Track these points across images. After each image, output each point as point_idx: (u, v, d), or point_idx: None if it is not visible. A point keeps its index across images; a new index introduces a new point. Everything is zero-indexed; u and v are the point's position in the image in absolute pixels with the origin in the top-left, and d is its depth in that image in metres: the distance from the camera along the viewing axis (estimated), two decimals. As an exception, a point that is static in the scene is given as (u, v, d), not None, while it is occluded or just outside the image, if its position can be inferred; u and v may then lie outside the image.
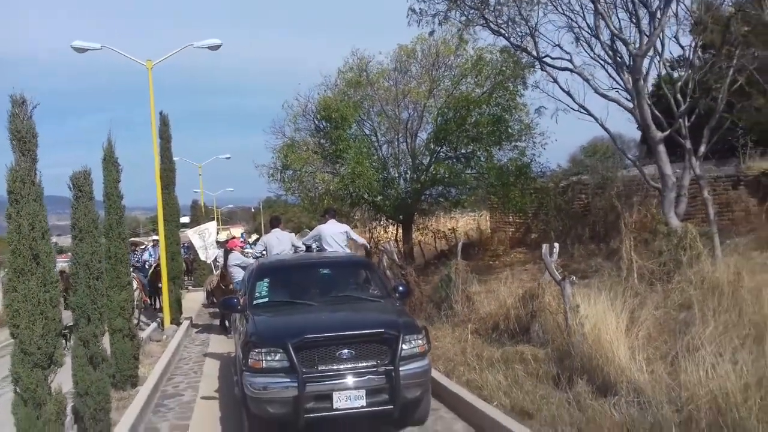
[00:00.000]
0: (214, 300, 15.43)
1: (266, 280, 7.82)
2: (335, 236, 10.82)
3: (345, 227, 11.50)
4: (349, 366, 6.20)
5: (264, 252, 11.15)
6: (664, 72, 12.46)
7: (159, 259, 17.45)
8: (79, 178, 6.89)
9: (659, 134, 10.84)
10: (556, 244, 9.05)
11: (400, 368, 6.18)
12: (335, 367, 6.18)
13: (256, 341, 6.39)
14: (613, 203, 14.14)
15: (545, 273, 8.80)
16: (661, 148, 10.87)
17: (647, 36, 10.72)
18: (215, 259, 17.38)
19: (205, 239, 17.63)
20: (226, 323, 13.37)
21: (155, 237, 19.20)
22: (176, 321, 14.53)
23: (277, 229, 11.52)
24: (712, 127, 11.54)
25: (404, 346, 6.29)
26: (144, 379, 8.96)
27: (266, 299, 7.53)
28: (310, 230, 15.26)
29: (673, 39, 11.97)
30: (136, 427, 7.02)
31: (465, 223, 26.57)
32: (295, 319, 6.97)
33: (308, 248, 11.19)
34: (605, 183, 17.50)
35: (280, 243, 11.07)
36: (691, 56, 11.89)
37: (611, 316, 6.93)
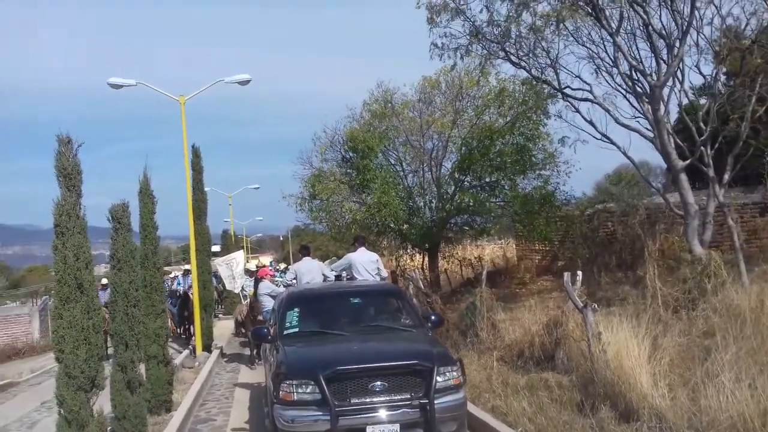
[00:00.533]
0: (243, 330, 15.33)
1: (296, 309, 7.70)
2: (365, 264, 10.64)
3: (375, 256, 11.32)
4: (383, 399, 6.06)
5: (294, 281, 10.98)
6: (686, 101, 12.57)
7: (188, 288, 17.82)
8: (117, 211, 7.26)
9: (680, 163, 10.95)
10: (579, 272, 9.19)
11: (435, 401, 6.04)
12: (368, 400, 6.05)
13: (286, 373, 6.27)
14: (645, 230, 14.18)
15: (569, 301, 8.92)
16: (683, 177, 10.96)
17: (667, 65, 10.89)
18: (242, 288, 17.30)
19: (232, 269, 17.70)
20: (255, 352, 13.35)
21: (186, 267, 19.52)
22: (208, 348, 14.82)
23: (307, 258, 11.44)
24: (735, 154, 11.61)
25: (439, 379, 6.15)
26: (178, 404, 9.22)
27: (296, 329, 7.42)
28: (339, 258, 15.41)
29: (695, 68, 12.16)
30: (170, 452, 7.26)
31: (492, 250, 26.69)
32: (326, 349, 6.85)
33: (338, 277, 11.09)
34: (630, 211, 17.55)
35: (310, 271, 10.95)
36: (712, 85, 12.03)
37: (633, 343, 7.02)
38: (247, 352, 14.75)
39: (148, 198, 9.07)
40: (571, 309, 8.93)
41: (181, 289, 18.16)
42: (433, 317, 7.93)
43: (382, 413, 6.01)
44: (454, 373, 6.40)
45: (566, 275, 8.22)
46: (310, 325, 7.53)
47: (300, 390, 6.06)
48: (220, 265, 17.98)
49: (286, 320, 7.52)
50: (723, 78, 13.24)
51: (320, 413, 5.94)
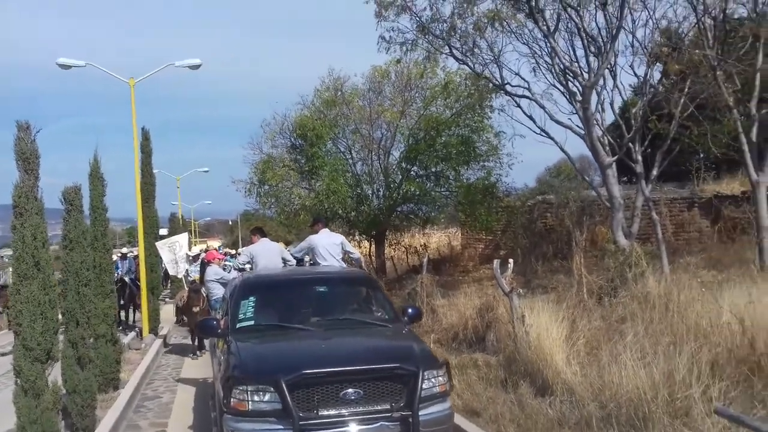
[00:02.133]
0: (184, 318, 14.21)
1: (252, 298, 6.61)
2: (329, 248, 9.48)
3: (340, 237, 10.16)
4: (357, 410, 5.15)
5: (248, 265, 9.78)
6: (620, 100, 13.36)
7: (126, 272, 17.02)
8: (70, 193, 7.54)
9: (608, 159, 11.72)
10: (510, 260, 9.89)
11: (420, 413, 5.18)
12: (339, 411, 5.12)
13: (240, 376, 5.26)
14: (575, 222, 15.01)
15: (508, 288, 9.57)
16: (610, 172, 11.73)
17: (597, 66, 11.60)
18: (186, 273, 15.98)
19: (175, 252, 16.71)
20: (196, 342, 12.87)
21: (123, 250, 18.99)
22: (154, 331, 15.03)
23: (264, 239, 10.12)
24: (663, 151, 12.46)
25: (424, 385, 5.26)
26: (125, 383, 9.52)
27: (252, 322, 6.37)
28: (291, 245, 15.29)
29: (628, 68, 12.96)
30: (119, 424, 7.61)
31: (438, 239, 27.45)
32: (288, 348, 5.90)
33: (299, 261, 10.09)
34: (567, 203, 18.47)
35: (268, 254, 9.66)
36: (643, 86, 12.85)
37: (553, 326, 7.69)
38: (186, 369, 12.45)
39: (98, 181, 9.29)
40: (502, 294, 9.60)
41: (119, 273, 16.54)
42: (410, 310, 6.86)
43: (355, 428, 5.09)
44: (440, 379, 5.47)
45: (495, 262, 8.87)
46: (268, 318, 6.54)
47: (256, 398, 5.10)
48: (161, 248, 16.99)
49: (239, 311, 6.46)
50: (659, 78, 14.08)
51: (281, 427, 5.03)
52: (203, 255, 15.22)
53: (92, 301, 7.74)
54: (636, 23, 12.30)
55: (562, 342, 7.44)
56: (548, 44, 11.55)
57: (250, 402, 5.09)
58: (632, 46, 12.73)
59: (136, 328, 15.88)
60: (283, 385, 4.99)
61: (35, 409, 5.32)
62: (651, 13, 12.18)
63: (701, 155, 18.47)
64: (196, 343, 12.97)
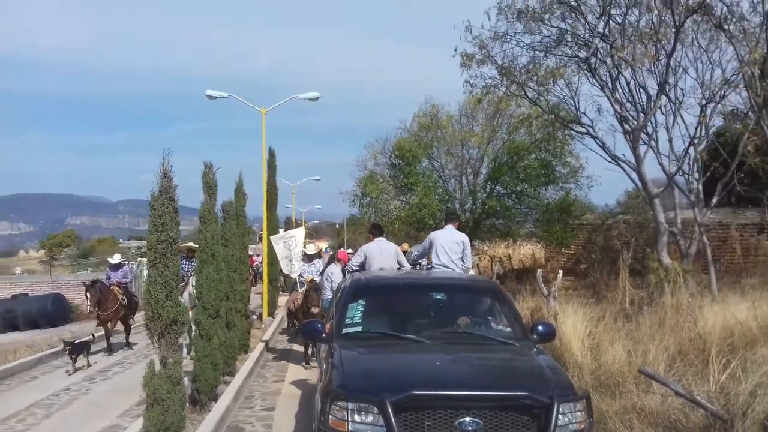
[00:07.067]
0: (295, 323, 13.40)
1: (361, 301, 6.10)
2: (448, 246, 8.63)
3: (463, 236, 9.13)
4: None
5: (356, 267, 9.06)
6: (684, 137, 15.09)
7: (116, 283, 14.00)
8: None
9: (655, 190, 13.63)
10: (560, 271, 12.13)
11: None
12: None
13: (339, 390, 4.66)
14: (623, 242, 16.87)
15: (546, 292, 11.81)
16: (657, 201, 13.63)
17: (645, 113, 13.55)
18: (300, 274, 14.15)
19: (290, 248, 15.80)
20: (309, 351, 11.41)
21: (116, 255, 15.82)
22: (272, 314, 18.18)
23: (381, 239, 9.37)
24: (725, 182, 14.06)
25: (559, 421, 4.47)
26: (252, 349, 12.50)
27: (359, 328, 5.86)
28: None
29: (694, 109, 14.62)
30: (252, 373, 10.50)
31: (525, 251, 29.52)
32: (398, 362, 5.30)
33: (414, 265, 9.51)
34: (643, 223, 20.20)
35: (384, 255, 8.96)
36: (701, 128, 14.56)
37: (579, 323, 9.91)
38: (295, 347, 13.07)
39: (241, 194, 12.29)
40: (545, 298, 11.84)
41: (109, 281, 14.18)
42: (540, 327, 5.99)
43: None
44: (579, 414, 4.63)
45: (539, 272, 11.18)
46: (378, 325, 6.02)
47: (357, 417, 4.48)
48: (276, 242, 16.21)
49: (346, 315, 5.97)
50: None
51: None
52: (328, 252, 14.17)
53: (237, 283, 10.72)
54: (704, 66, 14.04)
55: (584, 335, 9.65)
56: (605, 96, 13.62)
57: (349, 422, 4.47)
58: (702, 85, 14.38)
59: (256, 313, 19.05)
60: (389, 406, 4.39)
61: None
62: (709, 57, 13.94)
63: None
64: (309, 351, 11.38)
